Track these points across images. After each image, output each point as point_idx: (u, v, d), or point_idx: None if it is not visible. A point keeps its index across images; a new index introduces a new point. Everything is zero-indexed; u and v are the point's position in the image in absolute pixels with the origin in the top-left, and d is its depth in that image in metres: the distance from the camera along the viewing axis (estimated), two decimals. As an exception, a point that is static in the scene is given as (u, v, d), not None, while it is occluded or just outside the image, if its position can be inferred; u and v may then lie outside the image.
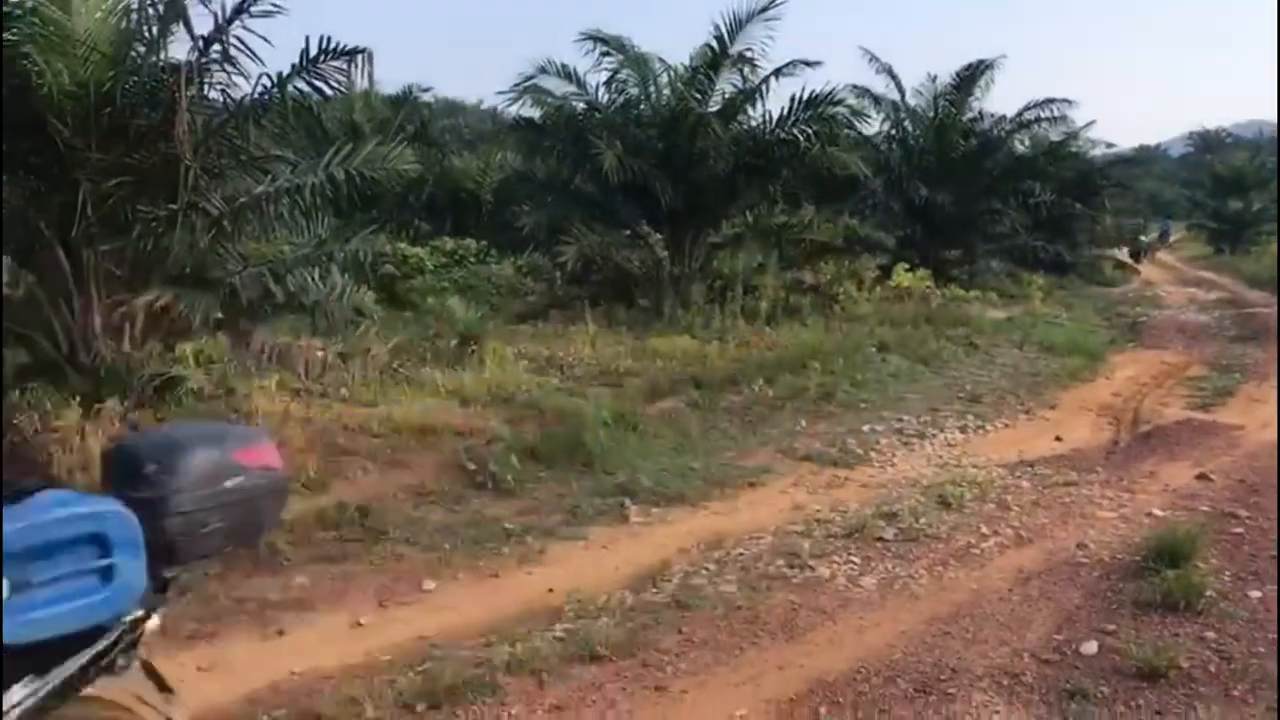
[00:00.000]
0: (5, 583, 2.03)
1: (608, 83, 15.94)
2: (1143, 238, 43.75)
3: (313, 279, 9.50)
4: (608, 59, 15.62)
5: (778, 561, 6.17)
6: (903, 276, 19.63)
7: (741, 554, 6.35)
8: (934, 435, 10.16)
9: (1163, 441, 9.88)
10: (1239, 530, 6.80)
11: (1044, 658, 4.76)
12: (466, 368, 10.06)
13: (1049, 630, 5.09)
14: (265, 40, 8.65)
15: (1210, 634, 4.97)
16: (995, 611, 5.38)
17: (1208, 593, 5.44)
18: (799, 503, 7.68)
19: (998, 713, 4.24)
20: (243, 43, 8.72)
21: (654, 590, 5.74)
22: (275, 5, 8.75)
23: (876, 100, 23.37)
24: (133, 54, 8.78)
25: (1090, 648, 4.83)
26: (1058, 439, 10.12)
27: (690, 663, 4.75)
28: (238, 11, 8.58)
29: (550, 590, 5.77)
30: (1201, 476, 8.36)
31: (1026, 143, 26.07)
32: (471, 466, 7.64)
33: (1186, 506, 7.47)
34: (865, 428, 10.22)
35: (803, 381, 11.44)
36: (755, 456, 9.04)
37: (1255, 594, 5.57)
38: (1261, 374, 14.03)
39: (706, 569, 6.09)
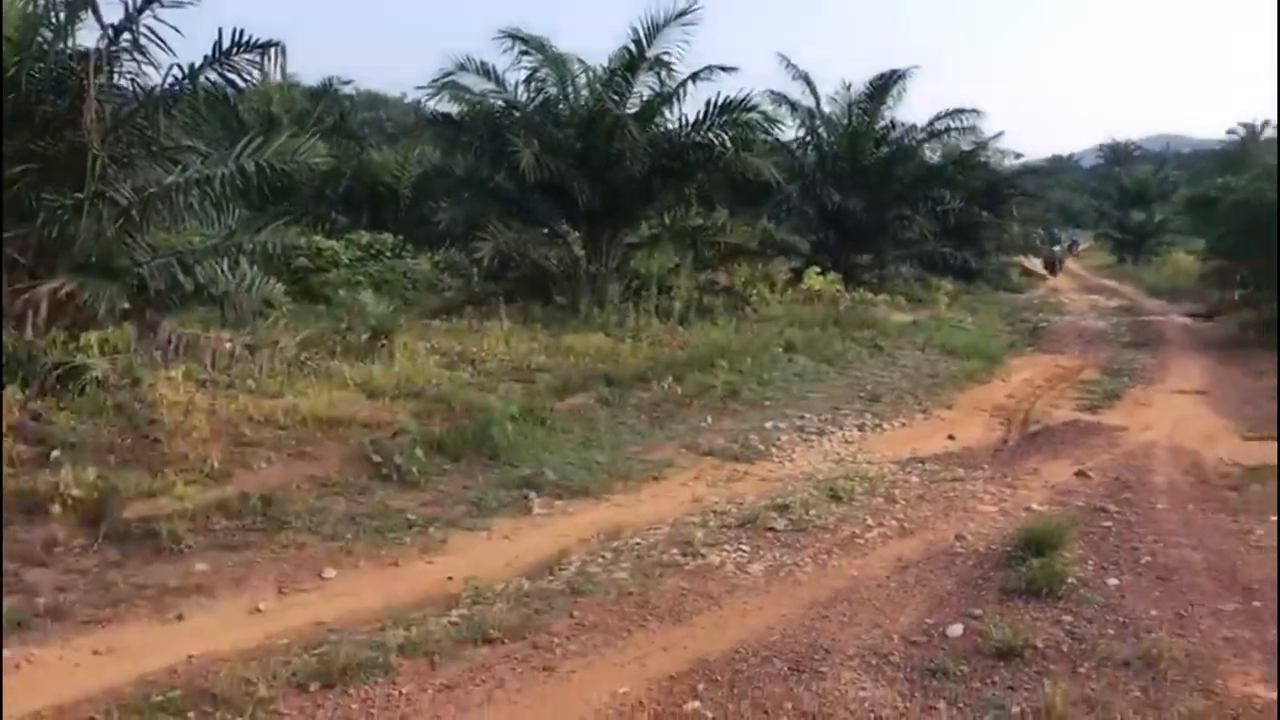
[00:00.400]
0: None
1: (526, 81, 16.05)
2: (1056, 248, 45.05)
3: (222, 270, 9.52)
4: (526, 58, 15.75)
5: (671, 550, 6.41)
6: (814, 279, 20.08)
7: (638, 543, 6.59)
8: (833, 432, 10.53)
9: (1049, 441, 10.37)
10: (1107, 524, 7.24)
11: (912, 639, 5.06)
12: (376, 361, 10.12)
13: (920, 614, 5.41)
14: (176, 30, 8.69)
15: (1067, 617, 5.33)
16: (872, 597, 5.68)
17: (1069, 580, 5.82)
18: (698, 495, 7.95)
19: (864, 689, 4.51)
20: (153, 32, 8.76)
21: (550, 578, 5.94)
22: (186, -4, 8.82)
23: (793, 106, 23.91)
24: (39, 40, 8.72)
25: (956, 630, 5.15)
26: (950, 437, 10.55)
27: (580, 645, 4.96)
28: (148, 1, 8.59)
29: (449, 578, 5.94)
30: (1080, 474, 8.83)
31: (937, 152, 26.82)
32: (377, 459, 7.74)
33: (1063, 502, 7.91)
34: (768, 425, 10.54)
35: (711, 379, 11.72)
36: (660, 451, 9.29)
37: (1113, 581, 5.97)
38: (1148, 379, 14.73)
39: (603, 557, 6.31)
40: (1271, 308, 19.43)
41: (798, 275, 21.59)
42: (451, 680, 4.53)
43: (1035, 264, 40.00)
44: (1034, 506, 7.64)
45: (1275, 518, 7.38)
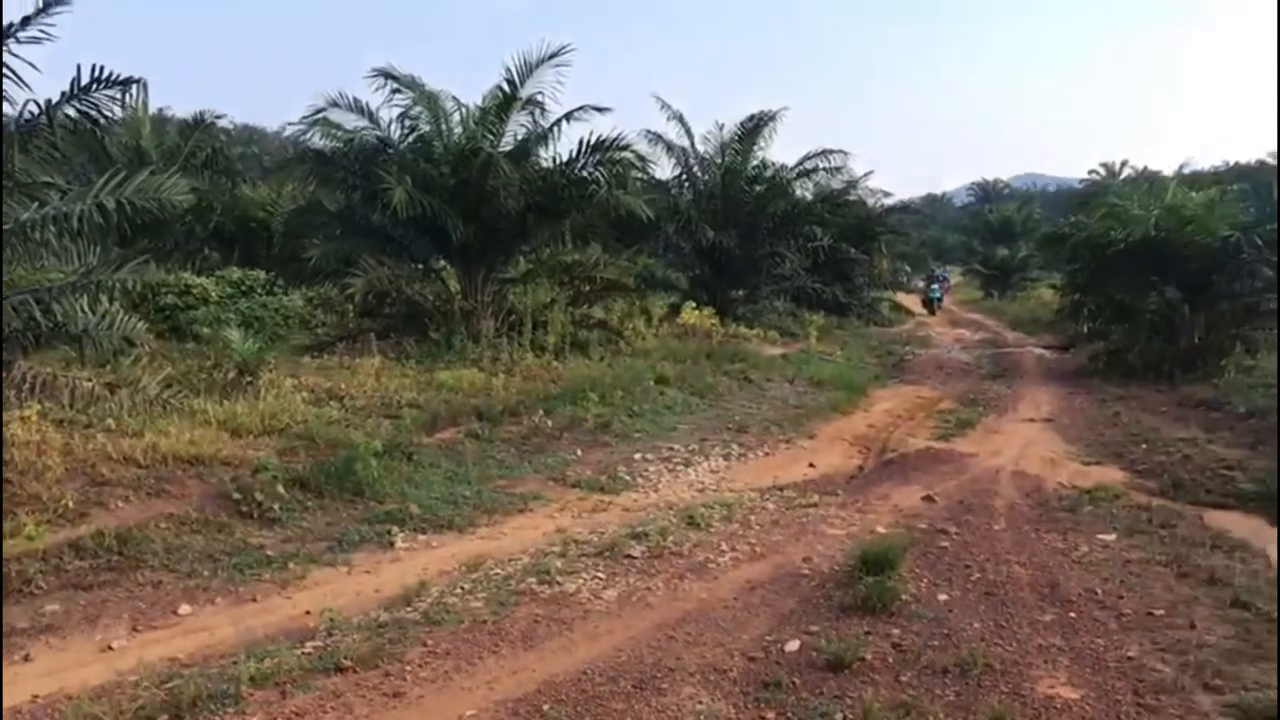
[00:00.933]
0: None
1: (400, 118, 16.14)
2: (934, 288, 43.66)
3: (81, 308, 9.37)
4: (399, 95, 15.85)
5: (529, 579, 6.58)
6: (689, 314, 20.55)
7: (497, 573, 6.75)
8: (700, 462, 10.86)
9: (901, 468, 10.86)
10: (945, 544, 7.67)
11: (751, 655, 5.35)
12: (242, 399, 10.06)
13: (761, 632, 5.70)
14: (33, 66, 8.61)
15: (896, 631, 5.69)
16: (718, 617, 5.95)
17: (903, 596, 6.20)
18: (562, 526, 8.14)
19: (702, 703, 4.76)
20: (9, 68, 8.64)
21: (407, 609, 6.05)
22: (44, 32, 8.74)
23: (668, 146, 24.50)
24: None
25: (793, 646, 5.46)
26: (811, 465, 10.98)
27: (431, 671, 5.10)
28: (2, 36, 8.49)
29: (307, 612, 6.01)
30: (927, 498, 9.31)
31: (810, 190, 27.72)
32: (238, 496, 7.74)
33: (908, 524, 8.32)
34: (637, 456, 10.82)
35: (582, 412, 11.96)
36: (527, 484, 9.47)
37: (943, 596, 6.37)
38: (1002, 408, 15.49)
39: (461, 588, 6.46)
40: (1116, 340, 20.68)
41: (675, 310, 22.07)
42: (301, 708, 4.62)
43: (900, 297, 41.19)
44: (879, 529, 8.04)
45: (1109, 536, 7.97)
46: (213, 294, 16.83)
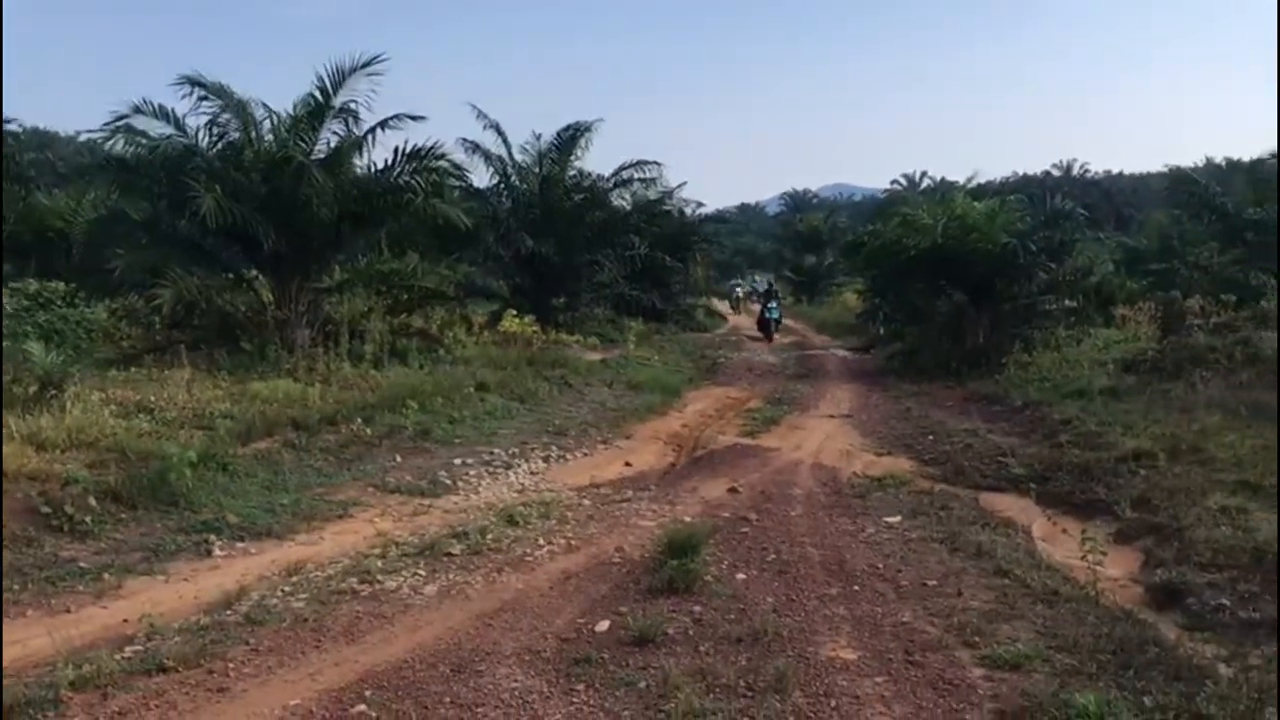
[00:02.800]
0: None
1: (208, 126, 15.78)
2: (737, 291, 48.68)
3: None
4: (207, 103, 15.52)
5: (350, 580, 6.78)
6: (510, 322, 20.81)
7: (317, 576, 6.91)
8: (519, 465, 11.18)
9: (710, 463, 11.50)
10: (746, 530, 8.27)
11: (564, 637, 5.72)
12: (45, 414, 9.76)
13: (574, 616, 6.09)
14: None
15: (697, 608, 6.18)
16: (535, 605, 6.31)
17: (706, 578, 6.70)
18: (383, 530, 8.31)
19: (516, 681, 5.10)
20: None
21: (229, 612, 6.16)
22: None
23: (486, 155, 24.69)
24: None
25: (603, 626, 5.86)
26: (627, 464, 11.48)
27: (254, 668, 5.26)
28: None
29: (125, 620, 6.03)
30: (732, 490, 9.94)
31: (628, 200, 28.41)
32: (46, 510, 7.58)
33: (713, 514, 8.90)
34: (457, 461, 11.05)
35: (401, 420, 12.09)
36: (346, 491, 9.57)
37: (741, 576, 6.93)
38: (805, 406, 16.44)
39: (282, 591, 6.59)
40: (910, 341, 22.14)
41: (496, 318, 22.26)
42: (124, 708, 4.71)
43: (720, 304, 42.86)
44: (686, 520, 8.56)
45: (894, 518, 8.74)
46: (8, 307, 16.02)
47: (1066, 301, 20.67)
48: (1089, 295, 21.68)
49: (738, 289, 49.80)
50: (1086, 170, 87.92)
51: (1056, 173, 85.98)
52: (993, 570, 7.15)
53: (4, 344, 14.29)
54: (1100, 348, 18.11)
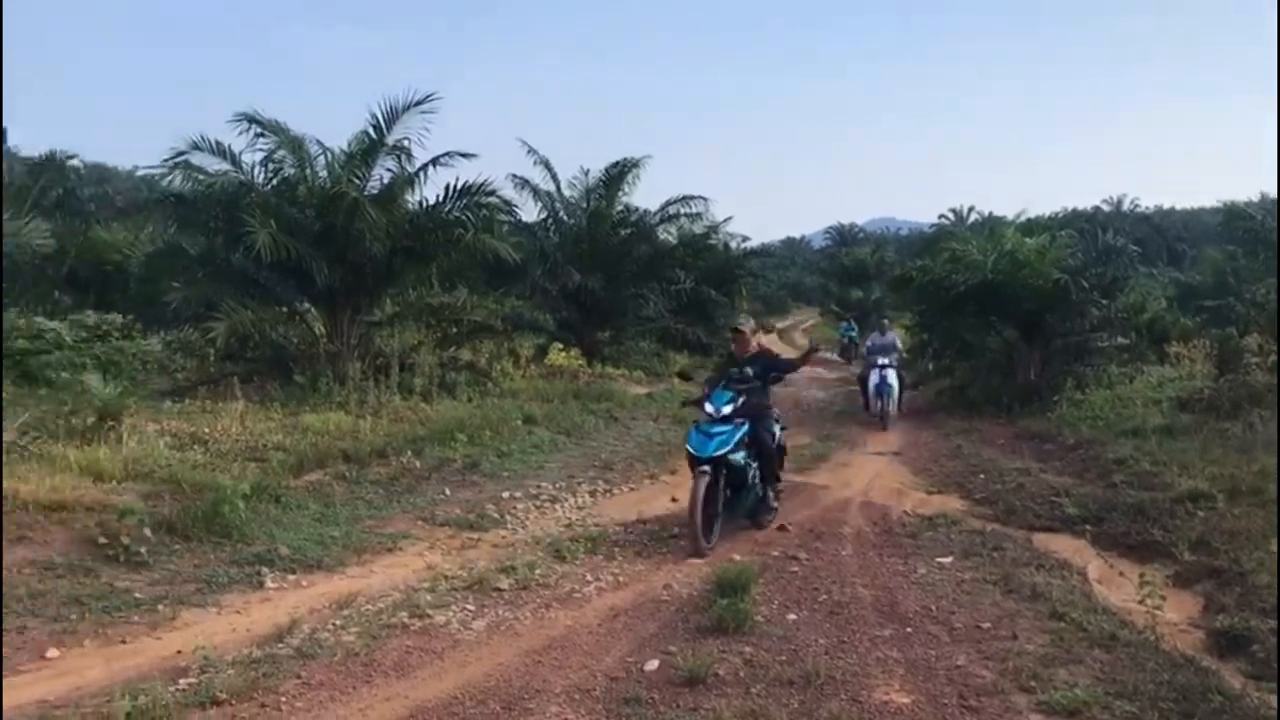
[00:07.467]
0: None
1: (264, 162, 16.11)
2: (852, 334, 39.51)
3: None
4: (263, 139, 15.84)
5: (400, 614, 6.79)
6: (557, 355, 20.94)
7: (368, 609, 6.93)
8: (566, 499, 11.18)
9: (758, 500, 11.39)
10: (795, 569, 8.20)
11: (614, 675, 5.69)
12: (103, 445, 9.94)
13: (623, 654, 6.06)
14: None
15: (747, 649, 6.12)
16: (583, 643, 6.29)
17: (756, 618, 6.65)
18: (432, 563, 8.34)
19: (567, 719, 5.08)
20: None
21: (280, 645, 6.19)
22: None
23: (535, 190, 24.96)
24: None
25: (652, 665, 5.83)
26: (673, 499, 11.40)
27: (306, 701, 5.28)
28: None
29: (178, 651, 6.08)
30: (781, 528, 9.85)
31: (674, 234, 28.51)
32: (103, 541, 7.69)
33: (762, 552, 8.84)
34: (505, 494, 11.08)
35: (450, 453, 12.16)
36: (396, 524, 9.61)
37: (792, 617, 6.85)
38: (853, 442, 16.30)
39: (333, 624, 6.61)
40: (959, 377, 21.93)
41: (543, 351, 22.40)
42: (178, 741, 4.76)
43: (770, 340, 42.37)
44: (735, 557, 8.50)
45: (946, 558, 8.62)
46: (67, 338, 16.38)
47: (1119, 338, 20.38)
48: (1141, 332, 21.38)
49: (851, 332, 39.52)
50: (1137, 205, 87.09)
51: (1107, 208, 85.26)
52: (1048, 613, 7.01)
53: (61, 375, 14.61)
54: (1154, 385, 17.80)
